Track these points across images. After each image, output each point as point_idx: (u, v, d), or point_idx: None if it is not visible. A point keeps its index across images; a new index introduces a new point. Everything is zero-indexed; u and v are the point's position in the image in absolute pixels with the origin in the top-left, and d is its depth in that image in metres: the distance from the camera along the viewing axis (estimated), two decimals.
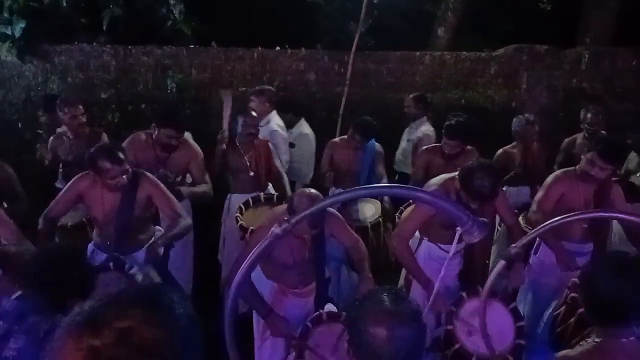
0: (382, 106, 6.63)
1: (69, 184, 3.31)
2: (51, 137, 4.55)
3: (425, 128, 5.26)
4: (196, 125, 5.71)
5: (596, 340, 1.83)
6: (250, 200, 3.99)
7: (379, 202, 4.22)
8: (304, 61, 6.91)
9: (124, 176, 3.06)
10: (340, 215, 3.22)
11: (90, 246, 3.34)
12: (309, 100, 6.71)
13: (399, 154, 5.57)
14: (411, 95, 5.48)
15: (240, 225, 3.72)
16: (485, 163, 3.11)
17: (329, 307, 3.02)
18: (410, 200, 3.60)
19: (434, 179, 3.29)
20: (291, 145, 5.07)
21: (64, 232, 3.60)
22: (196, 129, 5.58)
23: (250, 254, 1.51)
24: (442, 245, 3.32)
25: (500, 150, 4.81)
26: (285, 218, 1.50)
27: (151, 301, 0.95)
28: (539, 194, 3.55)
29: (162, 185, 3.29)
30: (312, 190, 2.87)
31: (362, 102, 6.65)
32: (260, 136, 4.36)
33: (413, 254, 3.20)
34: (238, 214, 3.82)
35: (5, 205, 3.66)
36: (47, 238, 3.19)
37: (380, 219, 4.03)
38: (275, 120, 4.93)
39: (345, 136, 4.74)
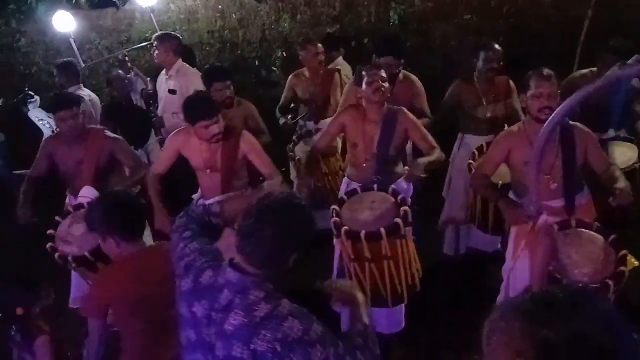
0: (635, 32, 5.63)
1: (334, 117, 3.63)
2: (290, 76, 4.86)
3: None
4: (417, 58, 5.57)
5: None
6: (485, 146, 3.72)
7: (636, 147, 3.60)
8: None
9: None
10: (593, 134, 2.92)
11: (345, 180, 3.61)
12: (542, 26, 6.03)
13: None
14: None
15: None
16: None
17: None
18: None
19: None
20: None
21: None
22: (417, 62, 5.45)
23: None
24: None
25: None
26: None
27: (596, 308, 0.91)
28: None
29: (417, 120, 3.43)
30: None
31: (608, 27, 5.73)
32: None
33: None
34: (471, 161, 3.60)
35: None
36: (310, 174, 3.50)
37: (638, 166, 3.41)
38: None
39: (593, 69, 4.06)
